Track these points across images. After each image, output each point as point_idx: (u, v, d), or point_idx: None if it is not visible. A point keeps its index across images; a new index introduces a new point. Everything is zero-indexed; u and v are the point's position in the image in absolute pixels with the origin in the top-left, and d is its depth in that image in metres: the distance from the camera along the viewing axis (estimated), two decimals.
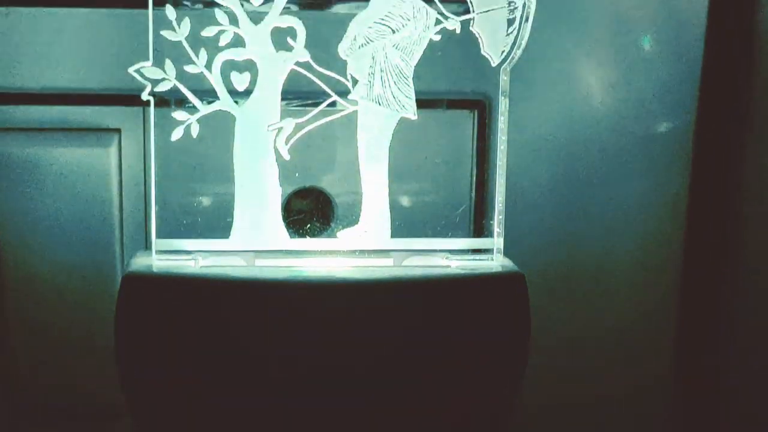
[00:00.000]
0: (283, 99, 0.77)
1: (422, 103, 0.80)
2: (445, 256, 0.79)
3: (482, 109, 0.91)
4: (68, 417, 0.91)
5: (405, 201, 0.91)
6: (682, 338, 0.97)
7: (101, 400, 0.88)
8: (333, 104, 0.79)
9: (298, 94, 0.80)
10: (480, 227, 0.90)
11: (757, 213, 0.94)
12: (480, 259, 0.80)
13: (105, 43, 0.88)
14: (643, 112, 0.95)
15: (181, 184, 0.86)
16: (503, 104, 0.80)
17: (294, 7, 0.81)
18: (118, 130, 0.89)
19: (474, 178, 0.92)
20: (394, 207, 0.82)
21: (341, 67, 0.77)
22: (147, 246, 0.84)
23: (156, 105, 0.76)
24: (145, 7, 0.78)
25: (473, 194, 0.92)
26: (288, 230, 0.79)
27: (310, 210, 0.89)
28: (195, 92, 0.77)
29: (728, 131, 0.97)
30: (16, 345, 0.89)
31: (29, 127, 0.89)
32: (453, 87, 0.90)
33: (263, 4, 0.77)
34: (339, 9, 0.86)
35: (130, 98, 0.84)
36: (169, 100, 0.77)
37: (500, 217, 0.79)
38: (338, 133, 0.82)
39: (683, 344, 0.97)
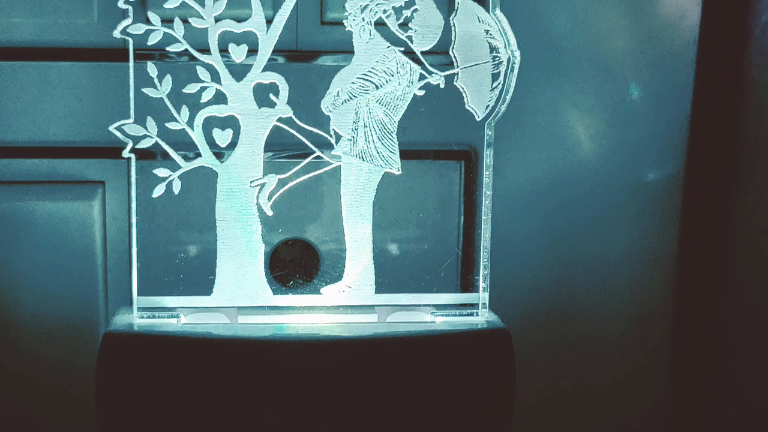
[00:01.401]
0: (266, 151, 0.77)
1: (409, 154, 0.80)
2: (430, 312, 0.79)
3: (468, 159, 0.91)
4: None
5: (391, 254, 0.91)
6: (676, 391, 0.97)
7: None
8: (318, 157, 0.78)
9: (282, 146, 0.80)
10: (467, 280, 0.89)
11: (749, 261, 0.94)
12: (466, 314, 0.80)
13: (89, 96, 0.88)
14: (631, 160, 0.95)
15: (164, 237, 0.86)
16: (488, 158, 0.79)
17: (281, 59, 0.82)
18: (102, 183, 0.89)
19: (461, 230, 0.92)
20: (380, 261, 0.81)
21: (325, 120, 0.78)
22: (130, 301, 0.83)
23: (140, 157, 0.76)
24: (128, 60, 0.77)
25: (460, 247, 0.91)
26: (274, 282, 0.80)
27: (295, 261, 0.88)
28: (178, 145, 0.76)
29: (717, 178, 0.97)
30: None
31: (12, 180, 0.89)
32: (439, 138, 0.89)
33: (246, 59, 0.76)
34: (324, 61, 0.87)
35: (114, 150, 0.81)
36: (153, 153, 0.77)
37: (485, 272, 0.79)
38: (323, 184, 0.82)
39: (677, 397, 0.97)
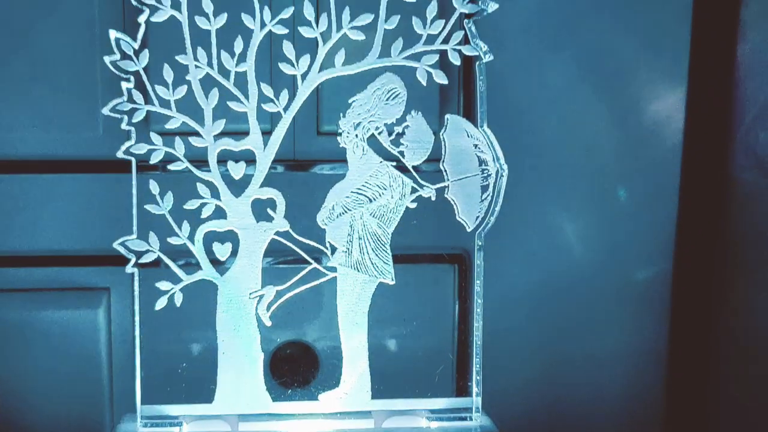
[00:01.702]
0: (265, 257, 0.79)
1: (405, 258, 0.82)
2: (425, 417, 0.79)
3: (462, 262, 0.92)
4: None
5: (387, 359, 0.91)
6: None
7: None
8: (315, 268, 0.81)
9: (280, 253, 0.82)
10: (462, 384, 0.89)
11: (738, 360, 0.94)
12: (460, 418, 0.80)
13: (95, 206, 0.90)
14: (621, 259, 0.96)
15: (167, 347, 0.88)
16: (478, 268, 0.81)
17: (280, 168, 0.85)
18: (107, 289, 0.90)
19: (456, 333, 0.92)
20: (376, 366, 0.81)
21: (321, 231, 0.80)
22: (135, 408, 0.84)
23: (144, 266, 0.77)
24: (130, 171, 0.79)
25: (455, 352, 0.92)
26: (274, 389, 0.81)
27: (294, 361, 0.89)
28: (179, 252, 0.78)
29: (705, 278, 0.97)
30: None
31: (19, 288, 0.90)
32: (435, 242, 0.90)
33: (244, 177, 0.78)
34: (321, 169, 0.89)
35: (118, 258, 0.82)
36: (158, 261, 0.79)
37: (478, 377, 0.80)
38: (322, 292, 0.83)
39: None
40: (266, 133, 0.79)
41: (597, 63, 0.95)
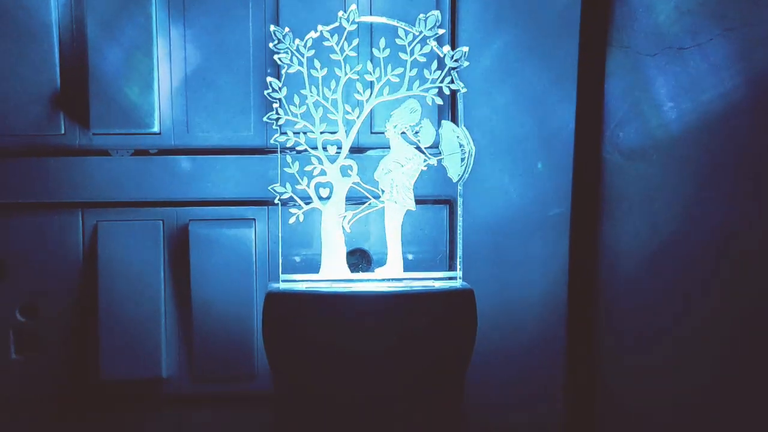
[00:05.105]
0: (346, 200, 0.99)
1: (419, 201, 1.00)
2: (432, 280, 1.01)
3: (451, 204, 1.14)
4: None
5: (410, 254, 1.14)
6: None
7: None
8: (372, 203, 0.99)
9: (355, 197, 1.01)
10: (451, 265, 1.13)
11: (610, 270, 1.10)
12: (450, 280, 1.02)
13: (248, 173, 1.12)
14: (540, 204, 1.13)
15: (293, 250, 1.12)
16: (460, 205, 1.02)
17: (353, 151, 1.02)
18: (254, 219, 1.12)
19: (447, 240, 1.15)
20: (405, 257, 1.05)
21: (375, 183, 1.01)
22: (273, 279, 1.04)
23: (280, 205, 1.00)
24: (268, 154, 1.08)
25: (447, 248, 1.15)
26: (350, 267, 1.00)
27: (359, 258, 1.13)
28: (301, 195, 0.99)
29: (589, 217, 1.13)
30: None
31: (209, 218, 1.12)
32: (435, 192, 1.13)
33: (335, 154, 0.99)
34: (372, 153, 1.12)
35: (260, 202, 1.11)
36: (285, 203, 1.00)
37: (460, 260, 1.03)
38: (377, 216, 1.04)
39: None
40: (347, 132, 0.98)
41: (524, 90, 1.12)
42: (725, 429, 0.86)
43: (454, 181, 1.00)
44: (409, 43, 0.97)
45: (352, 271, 1.01)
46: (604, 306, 1.11)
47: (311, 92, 0.98)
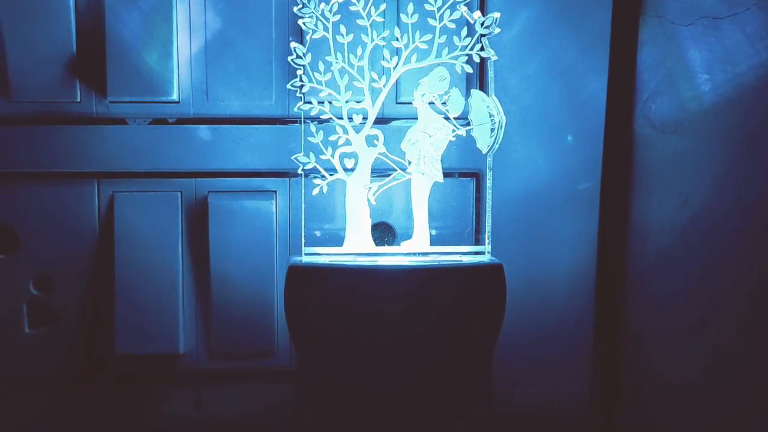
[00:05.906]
0: (372, 172, 0.98)
1: (446, 174, 1.00)
2: (460, 255, 0.99)
3: (479, 177, 1.12)
4: None
5: (434, 230, 1.10)
6: None
7: None
8: (399, 174, 0.98)
9: (381, 168, 1.00)
10: (478, 240, 1.12)
11: (639, 239, 1.09)
12: (478, 255, 1.00)
13: (268, 144, 1.10)
14: (569, 178, 1.11)
15: (313, 220, 1.10)
16: (489, 175, 1.01)
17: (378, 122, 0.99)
18: (275, 191, 1.11)
19: (474, 214, 1.13)
20: (431, 231, 1.03)
21: (402, 154, 1.00)
22: (295, 252, 1.06)
23: (303, 176, 0.99)
24: (289, 125, 1.06)
25: (474, 223, 1.13)
26: (375, 240, 0.99)
27: (383, 232, 1.11)
28: (325, 166, 0.98)
29: (622, 190, 1.12)
30: None
31: (230, 190, 1.11)
32: (462, 165, 1.11)
33: (361, 123, 0.98)
34: (397, 124, 1.11)
35: (282, 173, 1.09)
36: (308, 174, 1.00)
37: (489, 234, 1.01)
38: (403, 189, 1.03)
39: None
40: (373, 100, 0.97)
41: (554, 59, 1.11)
42: (760, 416, 0.85)
43: (484, 152, 0.99)
44: (439, 9, 0.96)
45: (376, 245, 1.00)
46: (631, 282, 1.11)
47: (336, 59, 0.96)
